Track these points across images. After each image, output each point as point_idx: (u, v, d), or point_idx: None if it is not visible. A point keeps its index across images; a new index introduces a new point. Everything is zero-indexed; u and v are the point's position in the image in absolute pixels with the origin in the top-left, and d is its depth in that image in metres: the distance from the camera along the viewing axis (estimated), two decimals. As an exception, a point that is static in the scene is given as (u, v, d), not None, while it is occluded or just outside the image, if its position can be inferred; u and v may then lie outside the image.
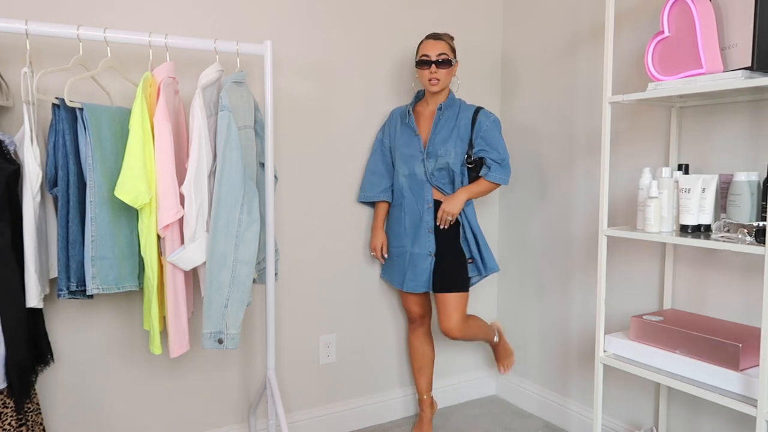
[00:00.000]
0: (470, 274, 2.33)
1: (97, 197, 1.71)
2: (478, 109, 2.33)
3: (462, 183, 2.30)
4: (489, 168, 2.27)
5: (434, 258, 2.29)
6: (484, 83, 2.81)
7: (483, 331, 2.47)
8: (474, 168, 2.30)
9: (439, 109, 2.31)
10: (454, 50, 2.30)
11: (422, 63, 2.25)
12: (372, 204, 2.52)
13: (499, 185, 2.31)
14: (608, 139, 1.87)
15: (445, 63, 2.23)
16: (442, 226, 2.28)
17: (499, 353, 2.66)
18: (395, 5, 2.54)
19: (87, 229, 1.70)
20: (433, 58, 2.23)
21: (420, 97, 2.42)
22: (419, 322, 2.48)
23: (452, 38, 2.32)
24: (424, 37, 2.36)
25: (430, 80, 2.24)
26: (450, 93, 2.36)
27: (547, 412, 2.64)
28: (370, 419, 2.62)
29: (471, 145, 2.29)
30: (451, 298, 2.28)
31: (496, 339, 2.60)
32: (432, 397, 2.53)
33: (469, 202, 2.31)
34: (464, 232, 2.32)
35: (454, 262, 2.30)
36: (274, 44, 2.29)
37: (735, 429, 1.93)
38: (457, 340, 2.37)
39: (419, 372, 2.51)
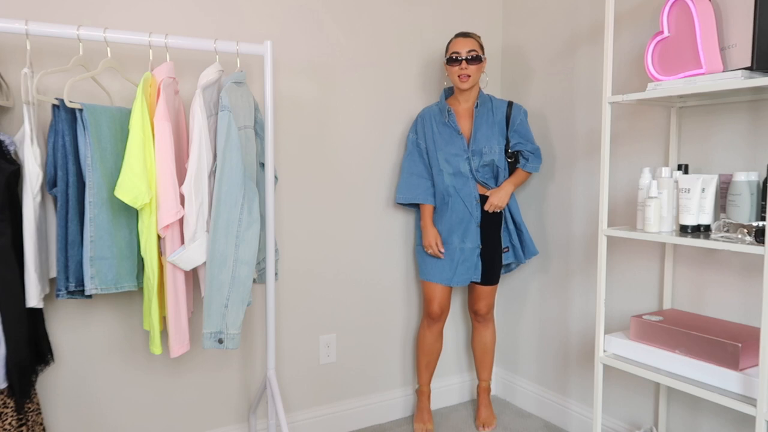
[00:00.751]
0: (506, 261, 2.47)
1: (96, 197, 1.71)
2: (510, 104, 2.42)
3: (504, 176, 2.42)
4: (527, 159, 2.41)
5: (480, 250, 2.41)
6: (483, 83, 2.80)
7: (493, 358, 2.66)
8: (512, 161, 2.42)
9: (476, 106, 2.39)
10: (482, 47, 2.36)
11: (453, 60, 2.31)
12: (406, 206, 2.58)
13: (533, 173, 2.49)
14: (608, 139, 1.87)
15: (476, 59, 2.28)
16: (491, 211, 2.39)
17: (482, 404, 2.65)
18: (395, 5, 2.54)
19: (86, 230, 1.71)
20: (464, 55, 2.29)
21: (449, 94, 2.48)
22: (439, 318, 2.49)
23: (479, 36, 2.42)
24: (453, 35, 2.45)
25: (460, 77, 2.30)
26: (480, 89, 2.43)
27: (547, 412, 2.65)
28: (370, 419, 2.62)
29: (507, 139, 2.39)
30: (490, 288, 2.48)
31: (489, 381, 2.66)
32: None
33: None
34: (506, 223, 2.45)
35: (495, 252, 2.44)
36: (274, 44, 2.29)
37: (735, 429, 1.93)
38: (486, 320, 2.56)
39: (428, 366, 2.55)
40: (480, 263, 2.40)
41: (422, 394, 2.57)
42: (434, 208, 2.45)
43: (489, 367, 2.62)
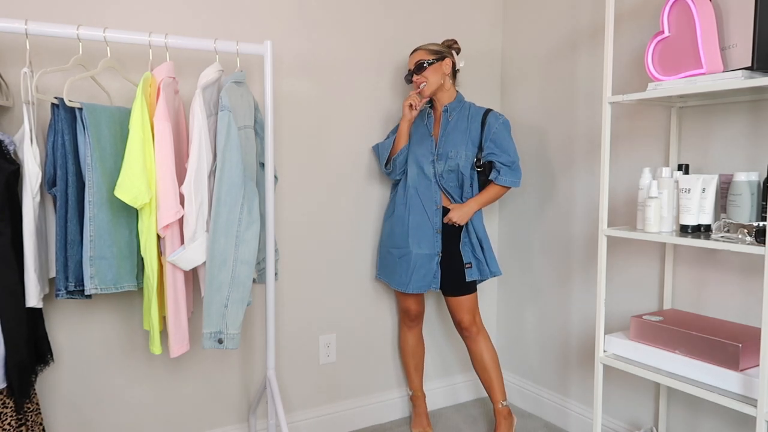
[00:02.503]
0: (469, 278, 2.30)
1: (95, 197, 1.71)
2: (487, 111, 2.33)
3: (471, 187, 2.30)
4: (498, 171, 2.25)
5: (440, 258, 2.31)
6: (483, 83, 2.80)
7: (499, 377, 2.39)
8: (483, 171, 2.30)
9: (445, 110, 2.33)
10: (436, 51, 2.28)
11: (407, 79, 2.33)
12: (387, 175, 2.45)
13: (509, 188, 2.29)
14: (608, 139, 1.87)
15: (419, 67, 2.26)
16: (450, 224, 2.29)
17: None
18: (396, 5, 2.54)
19: (85, 229, 1.70)
20: (412, 68, 2.29)
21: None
22: (417, 320, 2.50)
23: (442, 43, 2.36)
24: (450, 36, 2.44)
25: (418, 86, 2.28)
26: (458, 94, 2.37)
27: (547, 412, 2.64)
28: (370, 419, 2.61)
29: (481, 149, 2.29)
30: (462, 300, 2.33)
31: (505, 403, 2.37)
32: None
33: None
34: (469, 238, 2.32)
35: (458, 265, 2.31)
36: (274, 44, 2.29)
37: (735, 429, 1.93)
38: (472, 333, 2.36)
39: (416, 369, 2.54)
40: (439, 272, 2.29)
41: (417, 398, 2.55)
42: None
43: (496, 386, 2.36)
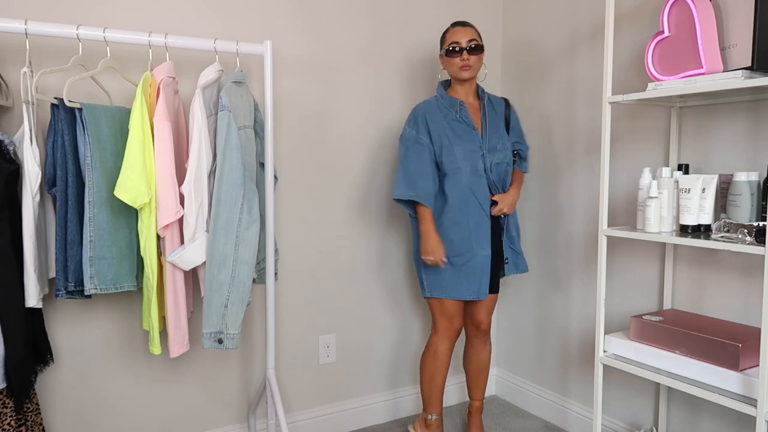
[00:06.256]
0: (508, 274, 2.26)
1: (95, 197, 1.71)
2: (507, 102, 2.31)
3: (507, 177, 2.24)
4: (524, 159, 2.29)
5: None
6: (483, 83, 2.80)
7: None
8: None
9: (487, 101, 2.24)
10: (481, 36, 2.23)
11: (452, 51, 2.13)
12: (403, 203, 2.20)
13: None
14: (608, 139, 1.87)
15: (477, 49, 2.13)
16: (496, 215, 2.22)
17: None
18: (395, 4, 2.54)
19: (85, 229, 1.70)
20: (464, 45, 2.12)
21: (446, 87, 2.26)
22: (458, 334, 2.28)
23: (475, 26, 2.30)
24: (449, 25, 2.24)
25: (461, 67, 2.13)
26: (480, 85, 2.29)
27: (547, 412, 2.64)
28: (370, 419, 2.61)
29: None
30: (490, 300, 2.29)
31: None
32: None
33: None
34: (508, 231, 2.26)
35: (498, 260, 2.25)
36: (274, 44, 2.29)
37: (735, 429, 1.93)
38: (486, 335, 2.34)
39: (443, 387, 2.33)
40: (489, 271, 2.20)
41: (440, 425, 2.34)
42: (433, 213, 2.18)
43: (484, 385, 2.41)
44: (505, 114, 2.28)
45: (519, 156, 2.29)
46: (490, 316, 2.32)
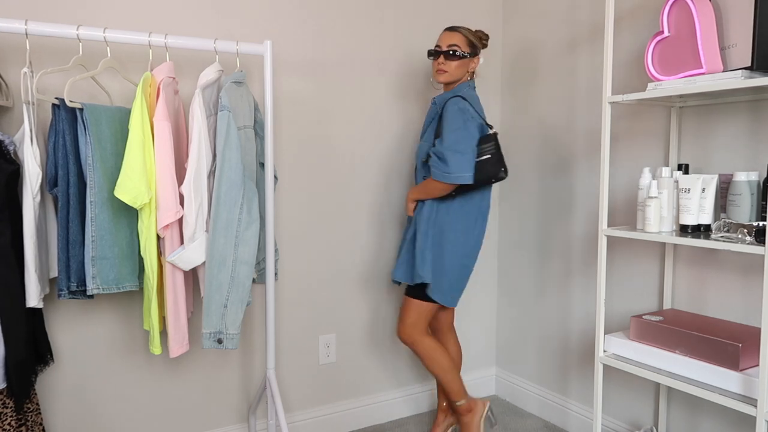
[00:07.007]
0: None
1: (97, 197, 1.71)
2: (450, 98, 2.09)
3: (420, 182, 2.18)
4: (431, 163, 2.04)
5: None
6: (483, 84, 2.81)
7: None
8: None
9: (433, 103, 2.20)
10: (472, 44, 2.13)
11: (431, 53, 2.15)
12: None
13: (455, 185, 2.01)
14: (608, 139, 1.87)
15: (453, 55, 2.09)
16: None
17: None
18: (395, 5, 2.54)
19: (87, 229, 1.70)
20: (443, 49, 2.11)
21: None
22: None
23: (476, 33, 2.16)
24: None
25: (437, 71, 2.13)
26: (458, 86, 2.15)
27: (547, 412, 2.64)
28: (370, 419, 2.61)
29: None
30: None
31: (462, 402, 2.28)
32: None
33: (446, 205, 2.11)
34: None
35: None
36: (274, 44, 2.29)
37: (735, 429, 1.93)
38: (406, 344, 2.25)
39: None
40: None
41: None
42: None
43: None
44: (442, 110, 2.11)
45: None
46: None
